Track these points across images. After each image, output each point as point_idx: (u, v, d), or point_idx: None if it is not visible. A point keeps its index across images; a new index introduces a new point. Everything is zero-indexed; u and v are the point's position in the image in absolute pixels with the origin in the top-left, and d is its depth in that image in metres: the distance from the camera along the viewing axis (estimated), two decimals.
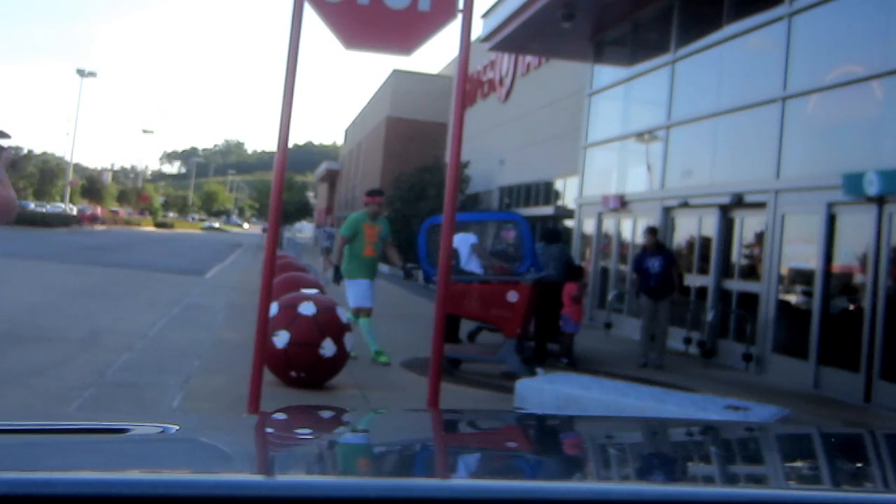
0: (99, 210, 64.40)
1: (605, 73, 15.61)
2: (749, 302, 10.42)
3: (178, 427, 1.37)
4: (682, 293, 10.68)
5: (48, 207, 60.58)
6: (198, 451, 1.31)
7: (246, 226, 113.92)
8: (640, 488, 1.17)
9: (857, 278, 8.98)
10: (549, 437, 1.71)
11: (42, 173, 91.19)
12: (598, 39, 15.56)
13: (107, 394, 5.90)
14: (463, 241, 10.34)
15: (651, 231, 10.20)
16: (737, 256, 11.12)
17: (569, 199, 18.07)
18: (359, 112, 51.51)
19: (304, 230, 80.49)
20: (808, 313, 9.30)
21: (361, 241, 7.94)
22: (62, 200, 57.93)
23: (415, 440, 1.61)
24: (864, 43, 9.15)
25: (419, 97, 36.54)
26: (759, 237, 10.55)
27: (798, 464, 1.57)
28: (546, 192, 20.23)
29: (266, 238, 4.14)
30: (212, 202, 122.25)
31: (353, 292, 8.01)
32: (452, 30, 3.96)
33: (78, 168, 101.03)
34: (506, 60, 23.92)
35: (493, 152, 23.88)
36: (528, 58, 21.62)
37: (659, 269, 9.67)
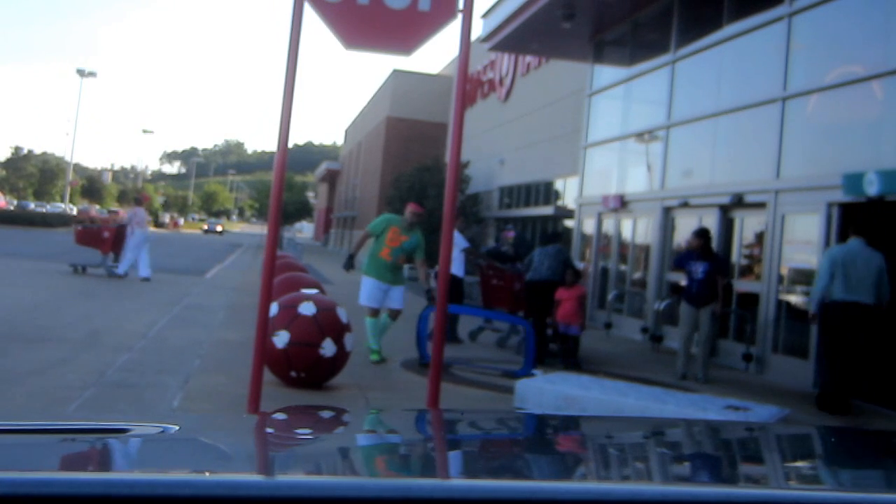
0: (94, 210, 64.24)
1: (605, 73, 15.60)
2: (749, 302, 10.41)
3: (178, 427, 1.37)
4: (727, 304, 10.00)
5: (48, 207, 60.70)
6: (198, 451, 1.31)
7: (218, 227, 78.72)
8: (640, 488, 1.17)
9: None
10: (549, 437, 1.71)
11: (42, 173, 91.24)
12: (598, 39, 15.56)
13: (107, 394, 5.89)
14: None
15: (699, 234, 9.10)
16: (737, 256, 11.11)
17: (569, 199, 18.06)
18: (359, 112, 51.48)
19: (303, 230, 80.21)
20: (808, 313, 9.27)
21: (381, 243, 8.16)
22: (62, 200, 57.89)
23: (415, 440, 1.61)
24: (864, 43, 9.14)
25: (419, 97, 36.50)
26: (759, 237, 10.54)
27: (798, 464, 1.57)
28: (546, 192, 20.22)
29: (266, 240, 4.14)
30: (212, 202, 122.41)
31: (362, 289, 8.24)
32: (452, 30, 3.96)
33: (78, 168, 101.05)
34: (506, 60, 23.91)
35: (493, 152, 23.86)
36: (528, 58, 21.61)
37: (702, 276, 8.87)
